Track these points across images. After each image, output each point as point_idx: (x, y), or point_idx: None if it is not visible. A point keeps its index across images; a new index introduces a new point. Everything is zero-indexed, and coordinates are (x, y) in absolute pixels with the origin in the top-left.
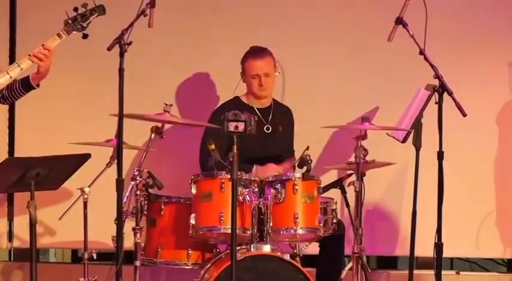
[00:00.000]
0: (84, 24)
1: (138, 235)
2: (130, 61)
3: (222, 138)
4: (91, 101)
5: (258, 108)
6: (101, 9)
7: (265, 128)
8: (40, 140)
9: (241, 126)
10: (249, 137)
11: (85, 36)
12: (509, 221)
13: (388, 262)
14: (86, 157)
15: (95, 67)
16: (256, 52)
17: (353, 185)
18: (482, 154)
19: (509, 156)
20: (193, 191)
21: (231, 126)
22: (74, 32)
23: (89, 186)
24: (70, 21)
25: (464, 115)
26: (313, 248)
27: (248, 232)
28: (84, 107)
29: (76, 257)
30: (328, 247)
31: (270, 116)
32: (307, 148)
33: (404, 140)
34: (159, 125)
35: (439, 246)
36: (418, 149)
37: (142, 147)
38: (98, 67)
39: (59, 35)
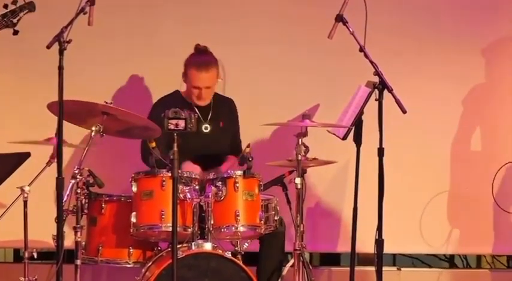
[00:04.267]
0: (15, 21)
1: (79, 233)
2: (71, 59)
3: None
4: (30, 100)
5: (197, 106)
6: (30, 6)
7: (203, 128)
8: None
9: (181, 124)
10: (187, 136)
11: (15, 32)
12: (451, 217)
13: (332, 259)
14: (25, 155)
15: (33, 64)
16: (202, 64)
17: (294, 182)
18: (423, 150)
19: (449, 152)
20: (134, 189)
21: (172, 124)
22: (5, 29)
23: (28, 185)
24: (0, 18)
25: (404, 112)
26: (255, 246)
27: (189, 229)
28: (23, 106)
29: (18, 256)
30: (268, 244)
31: (210, 115)
32: (248, 146)
33: (345, 137)
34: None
35: (379, 242)
36: (358, 146)
37: (82, 145)
38: (37, 64)
39: None
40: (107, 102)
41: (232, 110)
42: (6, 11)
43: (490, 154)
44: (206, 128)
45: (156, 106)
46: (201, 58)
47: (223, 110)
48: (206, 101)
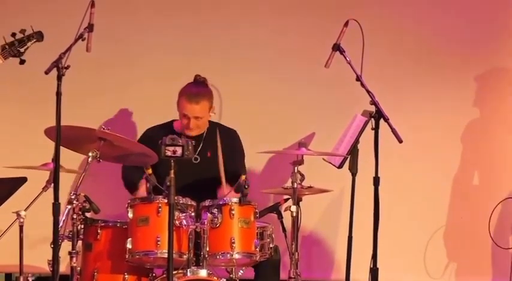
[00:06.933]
0: (22, 50)
1: (74, 259)
2: (68, 85)
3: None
4: (27, 125)
5: (188, 136)
6: (38, 36)
7: (193, 159)
8: None
9: (178, 150)
10: (178, 166)
11: (22, 61)
12: (449, 250)
13: None
14: (22, 180)
15: (31, 91)
16: (194, 95)
17: (289, 210)
18: (420, 180)
19: (445, 181)
20: (130, 215)
21: (169, 150)
22: (11, 57)
23: (25, 210)
24: (7, 47)
25: (400, 141)
26: (250, 273)
27: (184, 256)
28: (20, 131)
29: None
30: (263, 272)
31: (200, 146)
32: (245, 174)
33: (340, 166)
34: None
35: (374, 271)
36: (354, 175)
37: (79, 171)
38: (34, 91)
39: None
40: (104, 128)
41: (229, 141)
42: (13, 39)
43: (488, 190)
44: (196, 158)
45: (143, 135)
46: (195, 89)
47: (215, 140)
48: (195, 131)
